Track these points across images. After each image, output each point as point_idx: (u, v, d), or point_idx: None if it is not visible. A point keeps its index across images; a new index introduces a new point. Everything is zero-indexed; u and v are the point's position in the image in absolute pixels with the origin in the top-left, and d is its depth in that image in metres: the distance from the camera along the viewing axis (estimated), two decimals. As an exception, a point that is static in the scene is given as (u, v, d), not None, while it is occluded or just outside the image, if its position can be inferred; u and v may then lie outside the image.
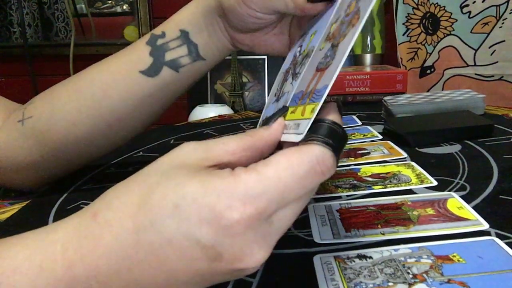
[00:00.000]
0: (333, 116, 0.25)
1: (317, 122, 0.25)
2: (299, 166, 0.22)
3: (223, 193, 0.22)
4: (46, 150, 0.50)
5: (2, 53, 1.82)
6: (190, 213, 0.22)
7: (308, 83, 0.28)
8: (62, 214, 0.47)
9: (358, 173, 0.50)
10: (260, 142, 0.26)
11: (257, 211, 0.22)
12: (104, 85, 0.47)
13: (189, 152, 0.25)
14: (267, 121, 0.28)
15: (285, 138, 0.27)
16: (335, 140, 0.24)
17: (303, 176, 0.22)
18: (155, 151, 0.69)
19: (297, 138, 0.25)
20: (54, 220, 0.46)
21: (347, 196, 0.44)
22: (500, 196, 0.41)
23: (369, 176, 0.49)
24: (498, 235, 0.34)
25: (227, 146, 0.25)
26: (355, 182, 0.48)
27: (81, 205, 0.49)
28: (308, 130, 0.24)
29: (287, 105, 0.29)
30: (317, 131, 0.24)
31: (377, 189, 0.45)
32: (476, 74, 1.21)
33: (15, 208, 0.50)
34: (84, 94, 0.48)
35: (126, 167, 0.62)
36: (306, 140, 0.24)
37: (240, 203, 0.21)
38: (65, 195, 0.53)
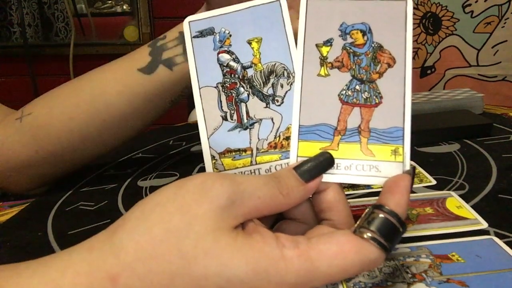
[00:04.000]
0: (398, 199, 0.24)
1: (378, 207, 0.24)
2: (352, 267, 0.22)
3: (274, 278, 0.21)
4: (41, 145, 0.50)
5: (2, 53, 1.81)
6: None
7: (337, 116, 0.28)
8: (61, 216, 0.48)
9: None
10: (290, 202, 0.25)
11: None
12: (104, 80, 0.49)
13: (220, 202, 0.22)
14: (304, 166, 0.26)
15: (349, 179, 0.28)
16: (394, 241, 0.23)
17: (351, 273, 0.23)
18: (154, 152, 0.69)
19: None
20: (54, 221, 0.46)
21: (346, 195, 0.44)
22: (499, 195, 0.41)
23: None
24: (497, 234, 0.34)
25: (260, 203, 0.24)
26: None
27: (80, 207, 0.49)
28: (365, 219, 0.23)
29: (297, 140, 0.28)
30: (378, 227, 0.23)
31: (376, 188, 0.45)
32: (479, 74, 1.20)
33: (15, 210, 0.50)
34: (83, 90, 0.49)
35: (125, 168, 0.62)
36: (360, 228, 0.23)
37: None
38: (64, 197, 0.53)
